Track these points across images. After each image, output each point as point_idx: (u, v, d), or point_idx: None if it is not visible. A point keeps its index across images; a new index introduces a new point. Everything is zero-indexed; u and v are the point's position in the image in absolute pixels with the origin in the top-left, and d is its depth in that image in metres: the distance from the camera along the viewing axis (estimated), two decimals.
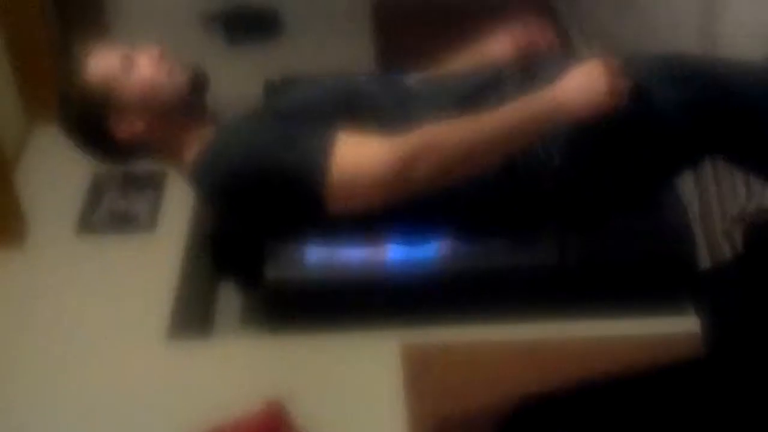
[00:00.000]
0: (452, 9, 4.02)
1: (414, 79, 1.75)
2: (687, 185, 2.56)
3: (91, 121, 1.59)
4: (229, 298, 2.85)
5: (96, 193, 2.96)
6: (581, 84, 1.49)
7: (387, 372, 2.32)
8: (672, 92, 1.62)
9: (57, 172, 3.01)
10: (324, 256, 2.53)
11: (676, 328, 2.42)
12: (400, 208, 1.56)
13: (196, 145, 1.60)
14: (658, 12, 2.87)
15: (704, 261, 2.54)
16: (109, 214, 2.91)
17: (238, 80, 2.80)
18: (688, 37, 2.60)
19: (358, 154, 1.48)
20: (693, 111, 1.60)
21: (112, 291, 2.63)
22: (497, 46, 1.78)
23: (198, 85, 1.61)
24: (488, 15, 3.97)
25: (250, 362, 2.43)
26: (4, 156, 2.83)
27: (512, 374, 2.29)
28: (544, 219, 1.70)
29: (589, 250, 2.57)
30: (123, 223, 2.89)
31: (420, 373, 2.31)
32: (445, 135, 1.48)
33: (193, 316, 2.72)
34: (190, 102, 1.60)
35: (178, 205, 2.85)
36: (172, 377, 2.37)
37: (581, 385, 2.18)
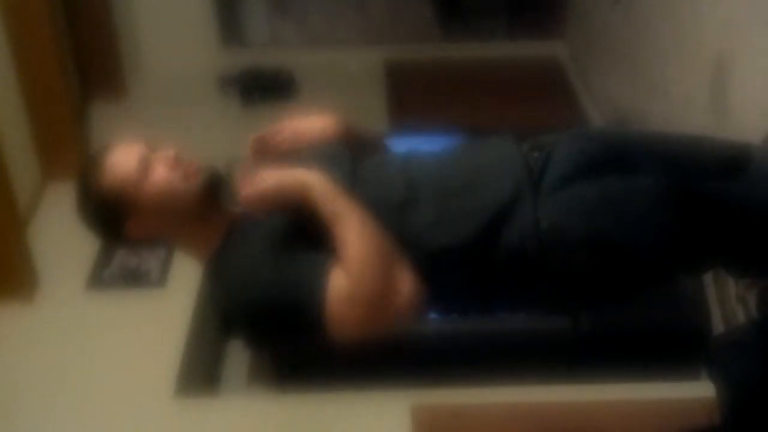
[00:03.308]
0: (462, 69, 4.09)
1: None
2: None
3: (106, 220, 1.63)
4: (237, 356, 2.83)
5: (108, 249, 2.97)
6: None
7: None
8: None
9: (70, 228, 3.00)
10: None
11: (690, 393, 2.39)
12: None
13: (210, 240, 1.63)
14: (670, 84, 2.90)
15: (718, 326, 2.51)
16: (119, 270, 2.92)
17: None
18: (699, 106, 2.62)
19: (341, 295, 1.50)
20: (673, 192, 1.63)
21: (120, 347, 2.62)
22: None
23: (213, 186, 1.63)
24: (496, 76, 4.08)
25: (257, 421, 2.40)
26: (17, 211, 2.85)
27: None
28: (560, 300, 1.70)
29: (602, 314, 2.55)
30: (133, 279, 2.89)
31: None
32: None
33: (200, 373, 2.70)
34: (205, 204, 1.62)
35: (188, 263, 2.84)
36: None
37: None
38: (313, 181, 1.54)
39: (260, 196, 1.53)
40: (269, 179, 1.54)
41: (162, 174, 1.59)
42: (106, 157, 1.61)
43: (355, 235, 1.51)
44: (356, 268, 1.49)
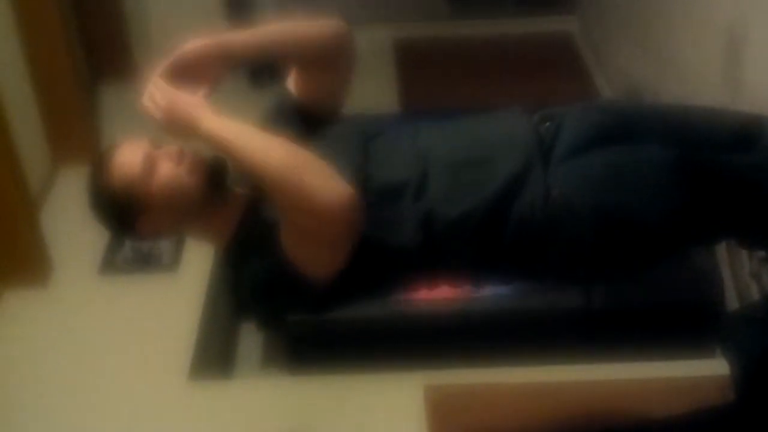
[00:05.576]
0: (473, 47, 4.05)
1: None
2: None
3: (118, 220, 1.64)
4: (251, 339, 2.84)
5: None
6: None
7: (410, 413, 2.30)
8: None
9: (81, 213, 3.02)
10: None
11: (704, 370, 2.38)
12: (426, 260, 1.58)
13: (224, 227, 1.64)
14: (682, 57, 2.87)
15: (732, 302, 2.50)
16: (132, 254, 2.93)
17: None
18: (711, 78, 2.59)
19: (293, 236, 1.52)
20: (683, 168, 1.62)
21: (134, 331, 2.64)
22: None
23: (219, 175, 1.63)
24: (507, 53, 4.04)
25: (270, 403, 2.41)
26: (29, 197, 2.86)
27: (535, 416, 2.26)
28: (573, 270, 1.70)
29: (615, 292, 2.55)
30: (146, 263, 2.90)
31: (443, 415, 2.28)
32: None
33: (214, 356, 2.71)
34: (213, 194, 1.62)
35: (201, 246, 2.84)
36: (192, 418, 2.36)
37: (607, 429, 2.15)
38: (201, 116, 1.55)
39: (154, 110, 1.56)
40: (164, 98, 1.57)
41: (168, 170, 1.59)
42: (112, 158, 1.61)
43: (259, 161, 1.49)
44: (280, 190, 1.48)
